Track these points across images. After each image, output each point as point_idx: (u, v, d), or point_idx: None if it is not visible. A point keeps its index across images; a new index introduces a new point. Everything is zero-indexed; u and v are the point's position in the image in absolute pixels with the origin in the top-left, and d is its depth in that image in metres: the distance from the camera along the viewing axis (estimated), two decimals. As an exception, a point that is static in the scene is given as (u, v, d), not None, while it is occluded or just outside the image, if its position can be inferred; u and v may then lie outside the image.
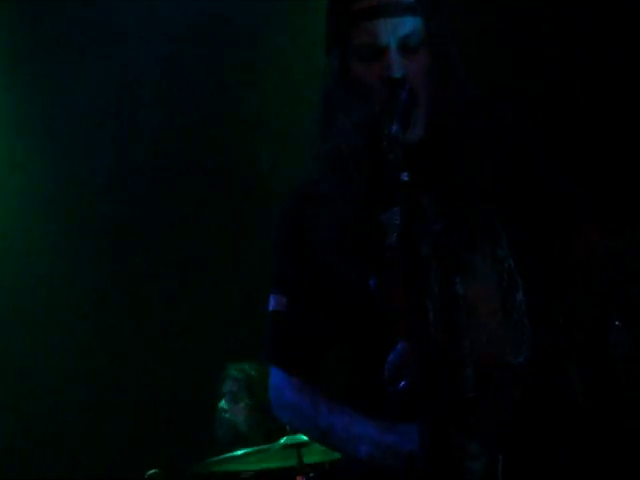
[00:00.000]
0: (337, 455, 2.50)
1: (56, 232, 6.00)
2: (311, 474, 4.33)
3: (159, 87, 5.88)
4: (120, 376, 5.94)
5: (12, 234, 5.96)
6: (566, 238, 2.33)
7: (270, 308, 2.41)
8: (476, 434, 2.16)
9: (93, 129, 5.91)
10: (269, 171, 5.30)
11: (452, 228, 2.27)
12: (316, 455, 4.33)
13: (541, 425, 2.28)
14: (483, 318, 2.25)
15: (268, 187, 5.27)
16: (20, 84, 5.86)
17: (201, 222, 5.98)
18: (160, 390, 5.91)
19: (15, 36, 5.80)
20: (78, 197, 6.01)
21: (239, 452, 4.45)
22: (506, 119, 2.39)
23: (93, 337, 5.98)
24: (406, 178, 2.13)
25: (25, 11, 5.73)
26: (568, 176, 2.39)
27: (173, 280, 6.02)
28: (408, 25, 2.27)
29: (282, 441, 4.33)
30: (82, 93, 5.83)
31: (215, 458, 4.49)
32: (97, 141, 5.92)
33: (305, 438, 4.09)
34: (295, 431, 4.10)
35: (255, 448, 4.46)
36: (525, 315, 2.30)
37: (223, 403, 5.12)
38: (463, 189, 2.29)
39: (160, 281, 6.02)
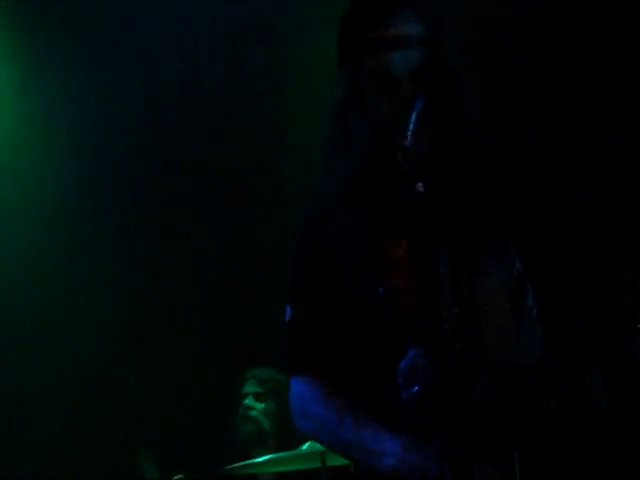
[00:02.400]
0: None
1: (79, 236, 6.03)
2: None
3: (181, 100, 5.92)
4: (142, 382, 5.96)
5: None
6: (577, 243, 2.36)
7: (287, 319, 2.47)
8: (492, 436, 2.20)
9: (119, 139, 5.96)
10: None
11: (464, 235, 2.31)
12: (340, 459, 4.33)
13: (557, 426, 2.31)
14: (494, 321, 2.30)
15: (289, 197, 5.29)
16: (47, 98, 5.91)
17: (220, 229, 6.01)
18: (180, 394, 5.94)
19: (46, 54, 5.84)
20: (102, 203, 6.04)
21: (263, 457, 4.47)
22: (513, 134, 2.43)
23: (114, 343, 6.01)
24: (421, 189, 2.18)
25: (56, 26, 5.78)
26: (577, 182, 2.42)
27: (192, 286, 6.06)
28: (420, 57, 2.33)
29: (305, 446, 4.36)
30: (106, 103, 5.88)
31: (239, 463, 4.53)
32: (122, 151, 5.96)
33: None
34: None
35: (280, 454, 4.48)
36: (535, 318, 2.34)
37: (249, 401, 5.13)
38: (474, 197, 2.33)
39: (179, 287, 6.06)
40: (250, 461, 4.53)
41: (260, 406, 5.09)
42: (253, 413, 5.10)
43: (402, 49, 2.31)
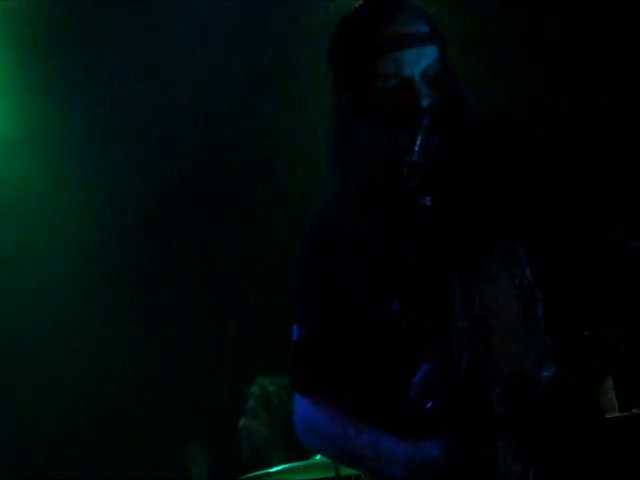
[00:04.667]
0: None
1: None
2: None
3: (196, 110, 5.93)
4: (156, 391, 5.99)
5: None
6: (588, 251, 2.33)
7: (293, 338, 2.45)
8: (507, 450, 2.17)
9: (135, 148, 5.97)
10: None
11: (473, 246, 2.29)
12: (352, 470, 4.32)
13: (572, 440, 2.28)
14: (505, 333, 2.28)
15: (300, 206, 5.28)
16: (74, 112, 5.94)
17: (231, 237, 6.02)
18: (194, 405, 5.95)
19: (64, 74, 5.87)
20: (109, 208, 6.06)
21: (277, 467, 4.48)
22: (521, 137, 2.40)
23: (126, 352, 6.03)
24: (429, 203, 2.17)
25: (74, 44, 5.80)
26: (587, 184, 2.38)
27: (203, 293, 6.07)
28: (428, 55, 2.31)
29: (318, 457, 4.36)
30: (120, 111, 5.89)
31: (252, 474, 4.53)
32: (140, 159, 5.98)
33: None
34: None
35: (293, 464, 4.48)
36: (545, 329, 2.32)
37: (243, 421, 5.15)
38: (482, 207, 2.31)
39: (191, 296, 6.07)
40: (264, 471, 4.53)
41: (255, 422, 5.08)
42: (245, 433, 5.10)
43: (410, 46, 2.29)
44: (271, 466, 4.63)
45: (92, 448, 5.92)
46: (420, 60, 2.29)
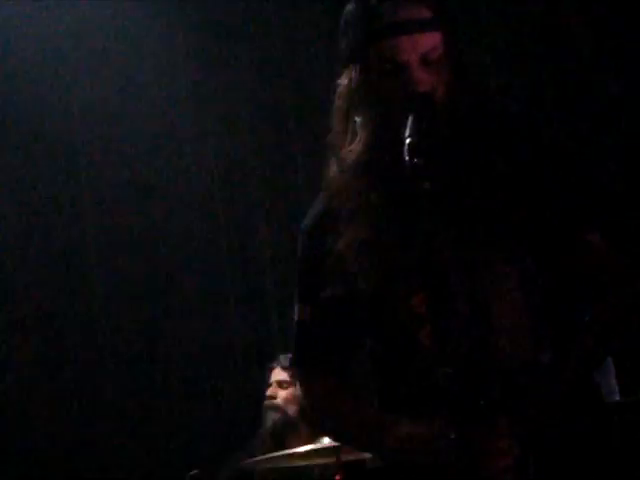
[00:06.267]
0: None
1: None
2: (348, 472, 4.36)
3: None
4: (154, 375, 6.00)
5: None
6: (586, 239, 2.34)
7: (296, 318, 2.46)
8: (506, 435, 2.18)
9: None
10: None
11: (472, 231, 2.30)
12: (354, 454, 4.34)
13: (571, 425, 2.29)
14: (505, 319, 2.29)
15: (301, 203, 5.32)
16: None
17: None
18: (195, 389, 5.97)
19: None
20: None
21: (277, 453, 4.50)
22: (523, 125, 2.41)
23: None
24: (428, 187, 2.18)
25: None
26: (590, 174, 2.39)
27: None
28: (428, 40, 2.30)
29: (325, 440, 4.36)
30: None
31: (254, 458, 4.56)
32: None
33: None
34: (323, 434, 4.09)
35: (294, 450, 4.48)
36: (545, 316, 2.32)
37: (271, 389, 5.12)
38: (483, 192, 2.31)
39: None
40: (264, 456, 4.55)
41: (283, 393, 5.09)
42: (276, 401, 5.09)
43: (408, 32, 2.29)
44: (297, 443, 4.62)
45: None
46: (418, 46, 2.29)
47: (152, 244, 6.06)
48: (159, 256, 6.07)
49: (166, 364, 5.99)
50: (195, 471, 4.57)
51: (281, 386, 5.09)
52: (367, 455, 4.07)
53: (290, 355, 2.56)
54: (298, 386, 2.52)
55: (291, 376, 5.00)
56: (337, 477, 4.36)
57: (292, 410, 5.02)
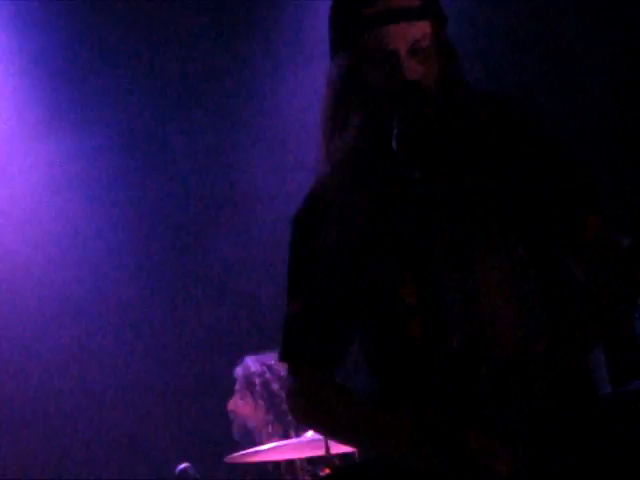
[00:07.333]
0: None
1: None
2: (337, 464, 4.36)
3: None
4: (148, 370, 5.98)
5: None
6: (579, 227, 2.32)
7: (285, 310, 2.43)
8: (497, 427, 2.18)
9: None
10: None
11: (463, 220, 2.28)
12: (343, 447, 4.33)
13: (563, 417, 2.28)
14: (497, 309, 2.27)
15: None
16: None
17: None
18: (185, 385, 5.96)
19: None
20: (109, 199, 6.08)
21: (267, 445, 4.50)
22: (514, 114, 2.39)
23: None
24: (417, 176, 2.16)
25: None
26: (581, 165, 2.37)
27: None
28: (418, 29, 2.29)
29: (309, 434, 4.36)
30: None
31: (243, 451, 4.56)
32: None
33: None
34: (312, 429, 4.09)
35: (283, 442, 4.51)
36: (538, 305, 2.31)
37: (230, 402, 5.13)
38: (473, 181, 2.30)
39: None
40: (254, 449, 4.56)
41: (242, 402, 5.08)
42: (232, 415, 5.09)
43: (397, 21, 2.28)
44: (262, 444, 4.64)
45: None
46: (408, 34, 2.28)
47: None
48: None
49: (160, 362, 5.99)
50: (184, 464, 4.56)
51: (241, 396, 5.07)
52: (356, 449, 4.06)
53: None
54: (287, 379, 2.48)
55: (246, 384, 5.00)
56: (326, 470, 4.36)
57: (251, 420, 5.01)
